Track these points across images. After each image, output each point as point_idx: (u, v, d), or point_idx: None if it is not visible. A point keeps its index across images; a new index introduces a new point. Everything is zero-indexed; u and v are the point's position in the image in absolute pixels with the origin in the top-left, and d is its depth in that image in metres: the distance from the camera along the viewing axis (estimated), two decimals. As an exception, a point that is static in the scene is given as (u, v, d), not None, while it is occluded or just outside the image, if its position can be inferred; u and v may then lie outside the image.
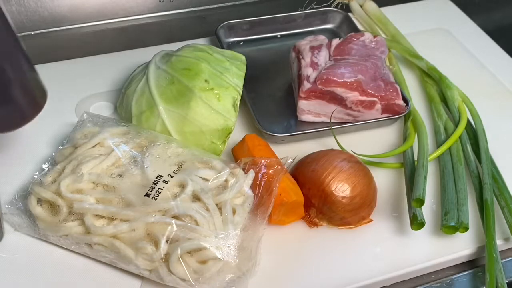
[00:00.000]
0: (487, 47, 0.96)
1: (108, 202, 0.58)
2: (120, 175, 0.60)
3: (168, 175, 0.59)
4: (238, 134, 0.73)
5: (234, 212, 0.58)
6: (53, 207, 0.60)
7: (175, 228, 0.55)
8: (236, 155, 0.69)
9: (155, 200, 0.57)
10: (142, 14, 1.01)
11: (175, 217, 0.56)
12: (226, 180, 0.60)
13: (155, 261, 0.56)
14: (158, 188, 0.58)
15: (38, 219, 0.60)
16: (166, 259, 0.56)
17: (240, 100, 0.69)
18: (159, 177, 0.59)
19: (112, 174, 0.60)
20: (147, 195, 0.57)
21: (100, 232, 0.57)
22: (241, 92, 0.70)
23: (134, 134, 0.65)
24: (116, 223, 0.57)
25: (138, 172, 0.60)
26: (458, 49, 0.95)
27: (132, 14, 1.00)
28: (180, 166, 0.61)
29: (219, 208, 0.58)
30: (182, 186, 0.59)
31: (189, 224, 0.56)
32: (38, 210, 0.60)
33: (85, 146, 0.63)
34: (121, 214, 0.57)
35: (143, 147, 0.63)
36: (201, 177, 0.60)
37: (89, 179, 0.59)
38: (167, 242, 0.55)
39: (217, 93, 0.68)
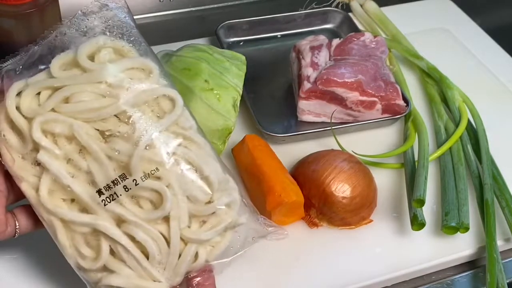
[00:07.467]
0: (487, 47, 0.96)
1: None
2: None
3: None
4: (238, 134, 0.73)
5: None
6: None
7: None
8: (236, 155, 0.69)
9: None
10: (142, 14, 1.01)
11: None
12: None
13: None
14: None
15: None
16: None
17: (240, 100, 0.69)
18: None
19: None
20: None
21: None
22: (241, 92, 0.70)
23: None
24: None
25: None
26: (458, 49, 0.95)
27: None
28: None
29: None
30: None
31: None
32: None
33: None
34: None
35: None
36: None
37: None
38: None
39: (217, 93, 0.68)
